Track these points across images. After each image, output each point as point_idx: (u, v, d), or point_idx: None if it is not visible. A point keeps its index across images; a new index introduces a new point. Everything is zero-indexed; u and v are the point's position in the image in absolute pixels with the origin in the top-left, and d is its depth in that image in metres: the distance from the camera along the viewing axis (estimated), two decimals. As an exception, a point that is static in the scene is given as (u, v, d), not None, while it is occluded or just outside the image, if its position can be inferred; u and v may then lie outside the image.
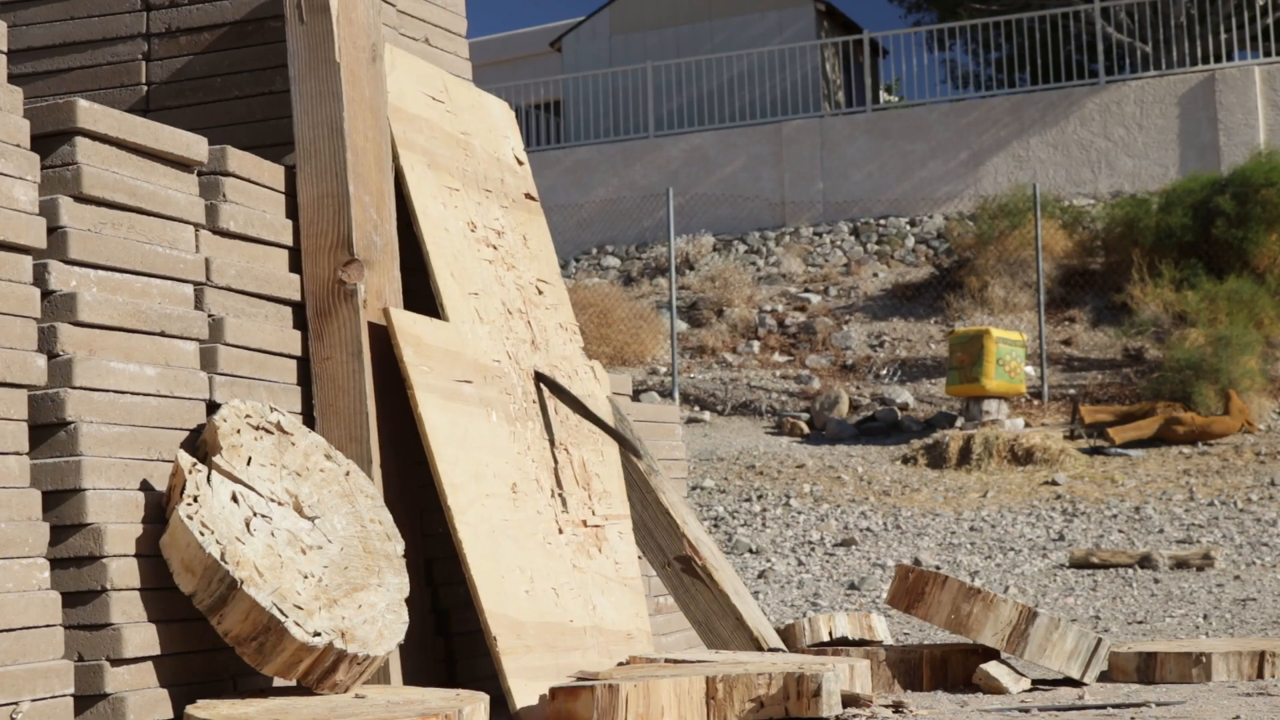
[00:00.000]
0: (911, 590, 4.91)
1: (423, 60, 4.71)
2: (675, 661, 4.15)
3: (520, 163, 5.07)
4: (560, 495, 4.42)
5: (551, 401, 4.58)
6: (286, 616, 3.26)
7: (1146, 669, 4.91)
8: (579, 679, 3.72)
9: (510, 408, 4.35)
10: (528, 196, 5.02)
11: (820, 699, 3.79)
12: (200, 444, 3.54)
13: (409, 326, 4.08)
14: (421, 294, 4.38)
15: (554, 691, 3.55)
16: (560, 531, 4.34)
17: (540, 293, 4.82)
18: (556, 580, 4.20)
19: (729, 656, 4.34)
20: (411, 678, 3.94)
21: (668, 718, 3.60)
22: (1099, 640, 4.77)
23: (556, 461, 4.48)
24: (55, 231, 3.37)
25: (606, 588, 4.44)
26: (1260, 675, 4.87)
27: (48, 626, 3.14)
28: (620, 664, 4.26)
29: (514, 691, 3.80)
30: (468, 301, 4.38)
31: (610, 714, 3.50)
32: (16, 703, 3.04)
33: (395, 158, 4.39)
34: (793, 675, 3.79)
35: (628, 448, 4.81)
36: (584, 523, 4.48)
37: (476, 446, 4.11)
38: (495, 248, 4.67)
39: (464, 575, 3.91)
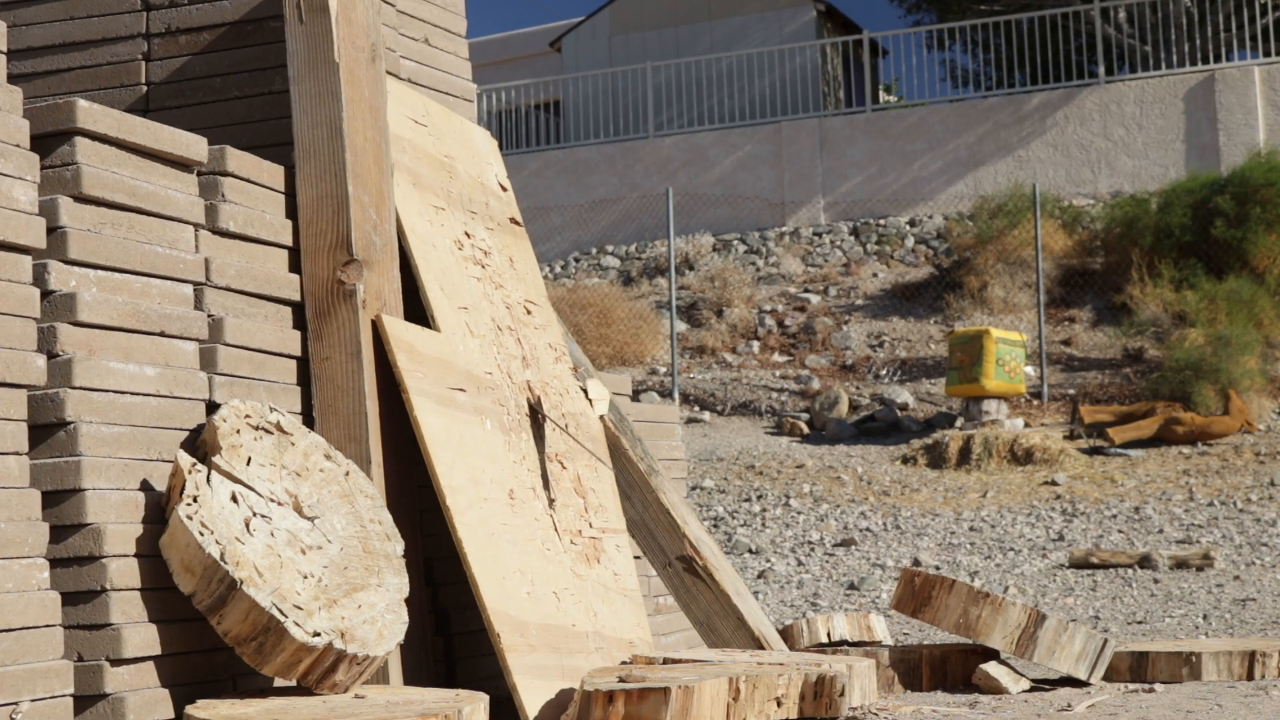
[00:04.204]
0: (919, 595, 4.91)
1: (403, 84, 4.68)
2: (674, 661, 4.15)
3: (504, 189, 5.07)
4: (557, 505, 4.42)
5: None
6: (286, 617, 3.26)
7: (1139, 669, 4.93)
8: (625, 678, 3.64)
9: (504, 418, 4.35)
10: (513, 221, 5.03)
11: (844, 700, 3.78)
12: (200, 444, 3.54)
13: (401, 334, 4.08)
14: (417, 305, 4.37)
15: (612, 694, 3.42)
16: (559, 539, 4.34)
17: (529, 312, 4.82)
18: (557, 585, 4.20)
19: (730, 655, 4.34)
20: (411, 678, 3.94)
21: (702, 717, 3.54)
22: (1105, 641, 4.78)
23: (552, 473, 4.48)
24: (55, 231, 3.37)
25: (606, 597, 4.44)
26: (1250, 676, 4.87)
27: (47, 626, 3.14)
28: (624, 662, 4.26)
29: (520, 689, 3.79)
30: (458, 315, 4.38)
31: (683, 715, 3.41)
32: (16, 703, 3.04)
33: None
34: (810, 677, 3.76)
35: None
36: (580, 533, 4.49)
37: (472, 452, 4.11)
38: (483, 266, 4.67)
39: (465, 575, 3.90)
